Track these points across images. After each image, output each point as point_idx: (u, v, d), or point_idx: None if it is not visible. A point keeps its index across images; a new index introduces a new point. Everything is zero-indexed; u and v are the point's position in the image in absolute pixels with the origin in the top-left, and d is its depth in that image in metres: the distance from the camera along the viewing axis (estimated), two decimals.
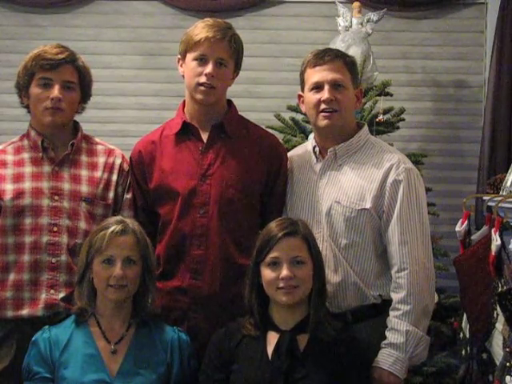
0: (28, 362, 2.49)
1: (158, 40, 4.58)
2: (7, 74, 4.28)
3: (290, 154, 2.94)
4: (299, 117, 3.93)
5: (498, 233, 3.09)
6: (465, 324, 3.38)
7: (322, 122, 2.68)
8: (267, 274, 2.46)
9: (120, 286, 2.48)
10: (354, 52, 3.85)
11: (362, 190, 2.64)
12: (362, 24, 4.03)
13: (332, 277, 2.64)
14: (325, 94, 2.65)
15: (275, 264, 2.45)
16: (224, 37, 2.71)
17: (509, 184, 3.56)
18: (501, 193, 3.58)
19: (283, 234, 2.46)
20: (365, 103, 3.88)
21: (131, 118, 4.60)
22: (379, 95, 3.94)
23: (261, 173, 2.78)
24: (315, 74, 2.68)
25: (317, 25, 4.55)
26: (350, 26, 4.03)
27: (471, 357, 3.29)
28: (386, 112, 3.96)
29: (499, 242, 3.05)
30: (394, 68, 4.52)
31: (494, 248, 3.07)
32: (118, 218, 2.60)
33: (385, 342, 2.56)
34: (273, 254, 2.45)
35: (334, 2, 4.15)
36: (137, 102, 4.63)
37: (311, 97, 2.69)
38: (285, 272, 2.43)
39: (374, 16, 4.06)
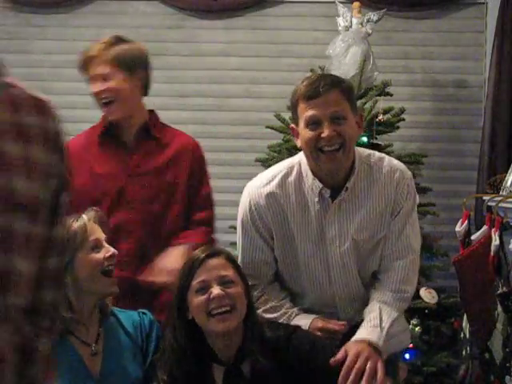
0: None
1: (158, 40, 4.58)
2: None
3: (275, 190, 2.55)
4: None
5: (497, 233, 3.09)
6: (465, 324, 3.39)
7: (326, 166, 2.42)
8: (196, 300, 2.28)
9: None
10: (354, 52, 3.86)
11: (378, 218, 2.53)
12: (362, 24, 4.03)
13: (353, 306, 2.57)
14: (325, 131, 2.38)
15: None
16: None
17: (509, 184, 3.56)
18: (501, 193, 3.59)
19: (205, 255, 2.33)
20: (365, 103, 3.88)
21: None
22: (379, 95, 3.93)
23: (184, 171, 2.85)
24: (310, 109, 2.40)
25: (317, 25, 4.55)
26: (350, 26, 4.03)
27: (471, 356, 3.29)
28: (385, 112, 3.96)
29: (498, 241, 3.06)
30: (394, 68, 4.52)
31: (493, 248, 3.08)
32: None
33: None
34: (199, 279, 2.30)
35: (333, 2, 4.15)
36: None
37: (308, 133, 2.39)
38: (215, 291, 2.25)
39: (374, 16, 4.06)
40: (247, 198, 2.54)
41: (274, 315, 2.53)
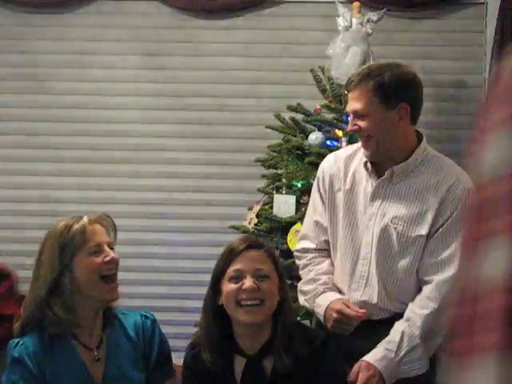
0: (13, 381, 2.29)
1: (158, 40, 4.58)
2: (7, 74, 4.29)
3: (344, 160, 2.74)
4: (299, 117, 3.94)
5: None
6: None
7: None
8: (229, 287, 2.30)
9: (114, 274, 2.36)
10: (354, 52, 3.85)
11: (419, 215, 2.53)
12: (361, 24, 4.03)
13: (364, 296, 2.58)
14: (348, 127, 2.66)
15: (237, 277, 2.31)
16: None
17: None
18: None
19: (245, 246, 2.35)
20: None
21: (131, 118, 4.60)
22: None
23: None
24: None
25: (317, 25, 4.54)
26: (350, 26, 4.03)
27: None
28: None
29: None
30: None
31: None
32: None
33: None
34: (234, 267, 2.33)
35: (333, 2, 4.15)
36: (137, 101, 4.63)
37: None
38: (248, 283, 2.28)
39: (373, 16, 4.06)
40: (322, 163, 2.78)
41: (307, 288, 2.63)
